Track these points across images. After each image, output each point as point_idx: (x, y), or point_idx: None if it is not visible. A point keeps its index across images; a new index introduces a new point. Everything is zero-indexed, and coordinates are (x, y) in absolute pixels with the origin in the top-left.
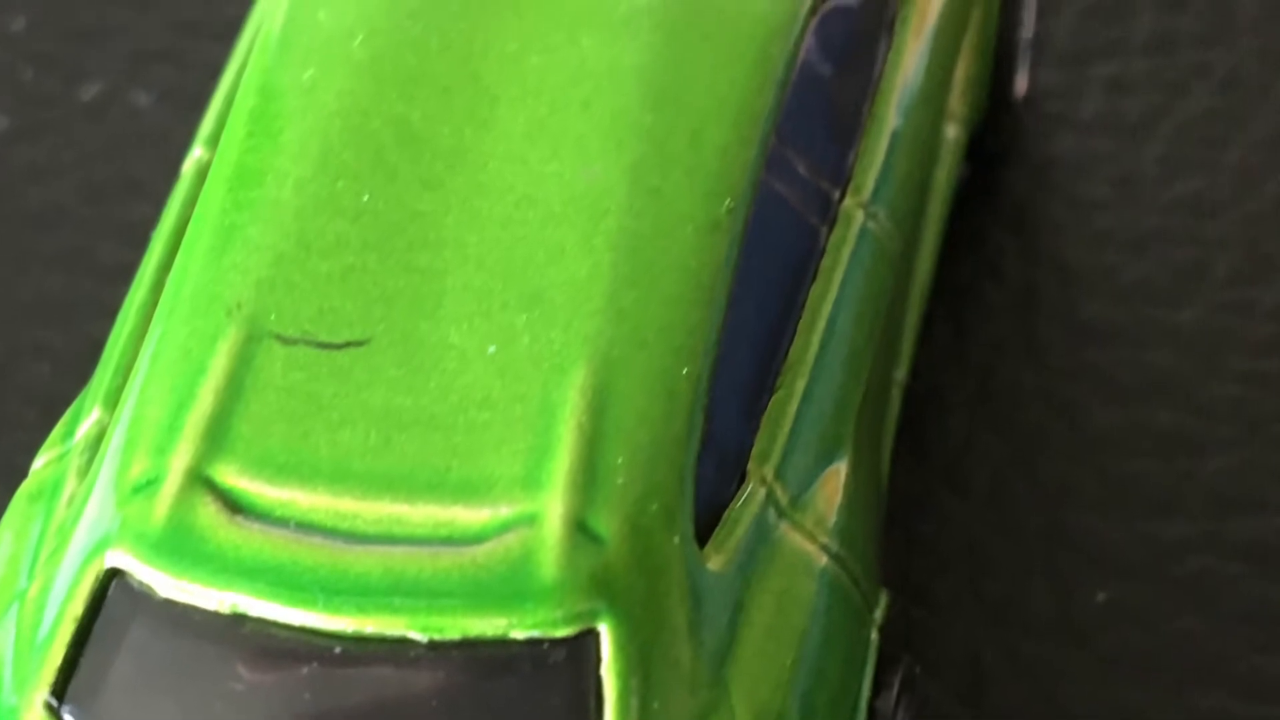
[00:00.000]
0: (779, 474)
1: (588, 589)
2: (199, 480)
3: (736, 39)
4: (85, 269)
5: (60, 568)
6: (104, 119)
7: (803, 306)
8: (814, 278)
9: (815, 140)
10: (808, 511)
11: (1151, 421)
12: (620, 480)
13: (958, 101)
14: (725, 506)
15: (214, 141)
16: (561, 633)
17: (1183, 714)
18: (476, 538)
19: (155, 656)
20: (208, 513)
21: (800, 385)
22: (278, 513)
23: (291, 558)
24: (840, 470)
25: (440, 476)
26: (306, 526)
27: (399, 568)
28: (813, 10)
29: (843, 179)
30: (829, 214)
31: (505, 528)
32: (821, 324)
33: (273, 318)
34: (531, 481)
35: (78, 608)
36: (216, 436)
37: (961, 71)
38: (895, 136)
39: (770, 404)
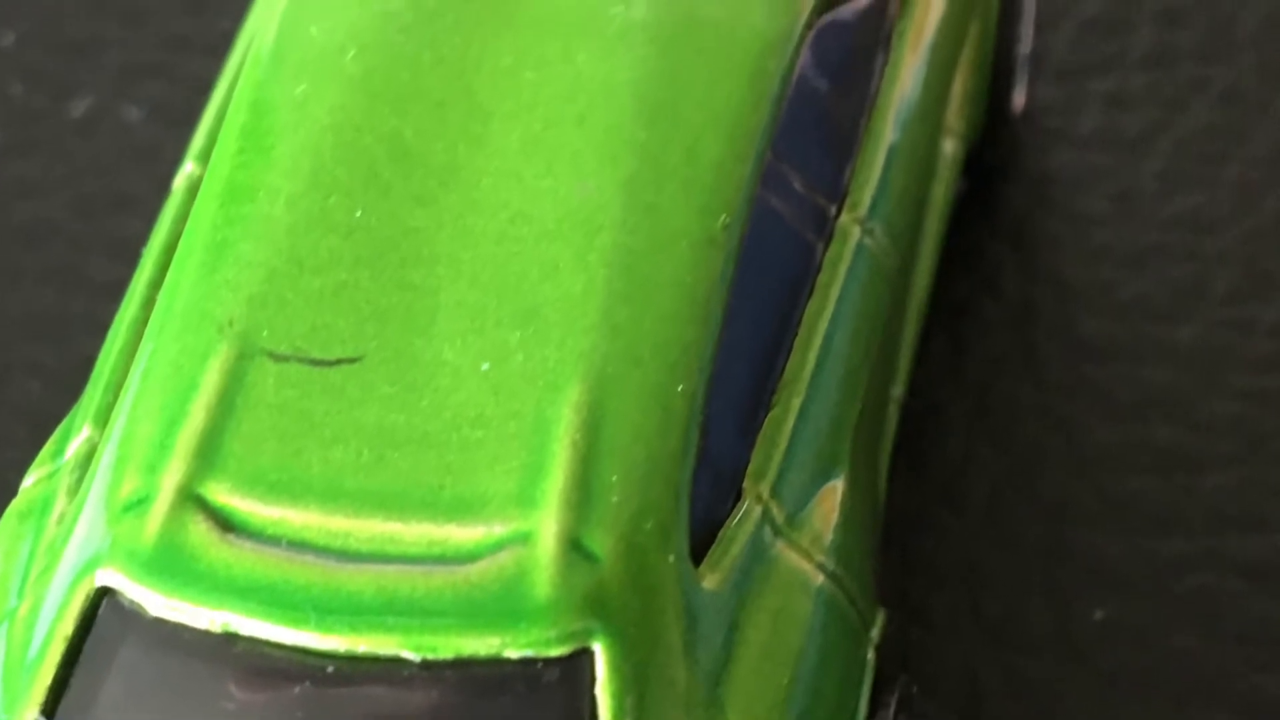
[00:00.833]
0: (775, 492)
1: (582, 608)
2: (190, 498)
3: (732, 54)
4: (76, 285)
5: (50, 586)
6: (94, 134)
7: (799, 323)
8: (810, 294)
9: (811, 156)
10: (804, 530)
11: (1150, 438)
12: (615, 498)
13: (955, 117)
14: (721, 525)
15: (205, 157)
16: (555, 652)
17: None
18: (470, 556)
19: (146, 675)
20: (199, 531)
21: (796, 403)
22: (269, 531)
23: (283, 576)
24: (837, 488)
25: (433, 494)
26: (299, 545)
27: (392, 586)
28: (809, 24)
29: (839, 194)
30: (825, 230)
31: (499, 546)
32: (818, 341)
33: (265, 334)
34: (525, 499)
35: (68, 627)
36: (208, 454)
37: (959, 86)
38: (892, 151)
39: (766, 421)
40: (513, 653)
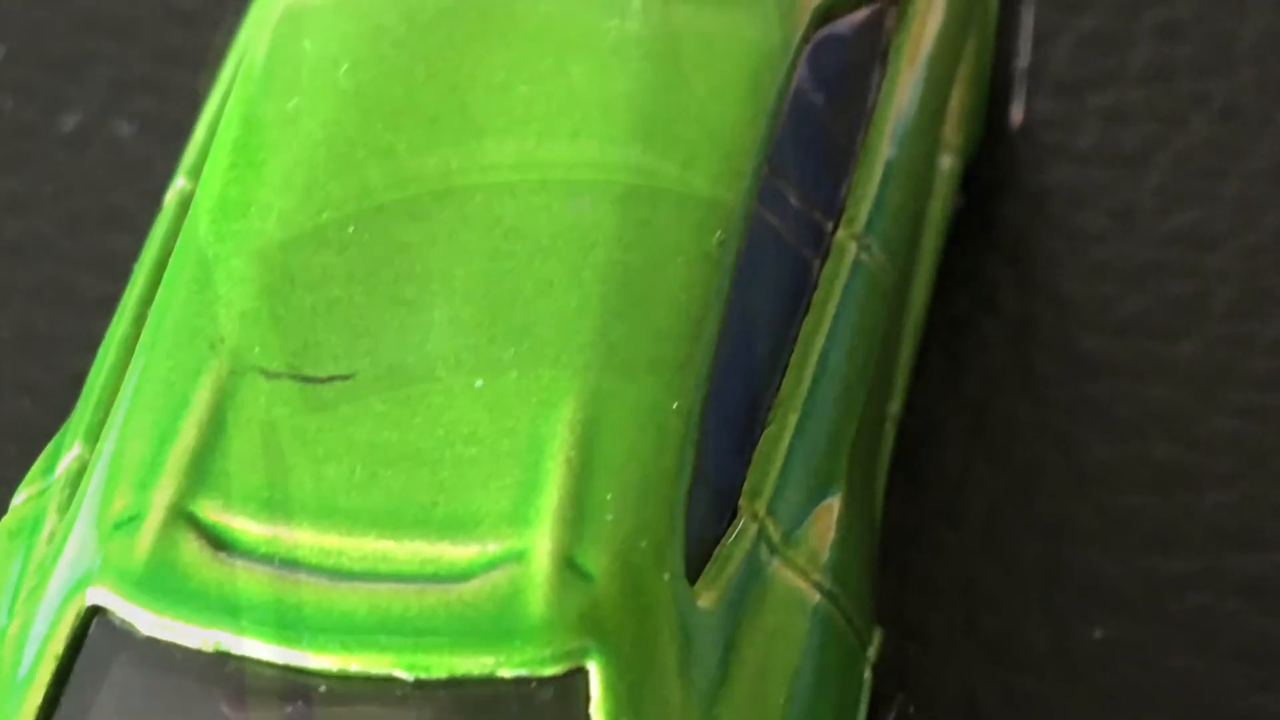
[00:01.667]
0: (771, 510)
1: (577, 627)
2: (181, 516)
3: (728, 69)
4: (65, 302)
5: (40, 605)
6: (84, 149)
7: (795, 340)
8: (806, 310)
9: (807, 171)
10: (800, 548)
11: (1149, 455)
12: (610, 516)
13: (952, 132)
14: (716, 543)
15: (197, 172)
16: (550, 671)
17: None
18: (463, 574)
19: (137, 694)
20: (190, 549)
21: (792, 420)
22: (261, 550)
23: (275, 594)
24: (833, 506)
25: (426, 512)
26: (291, 563)
27: (385, 605)
28: (805, 39)
29: (835, 210)
30: (822, 246)
31: (493, 565)
32: (814, 358)
33: (256, 351)
34: (519, 518)
35: (58, 646)
36: (199, 472)
37: (956, 101)
38: (889, 167)
39: (762, 439)
40: (507, 672)
